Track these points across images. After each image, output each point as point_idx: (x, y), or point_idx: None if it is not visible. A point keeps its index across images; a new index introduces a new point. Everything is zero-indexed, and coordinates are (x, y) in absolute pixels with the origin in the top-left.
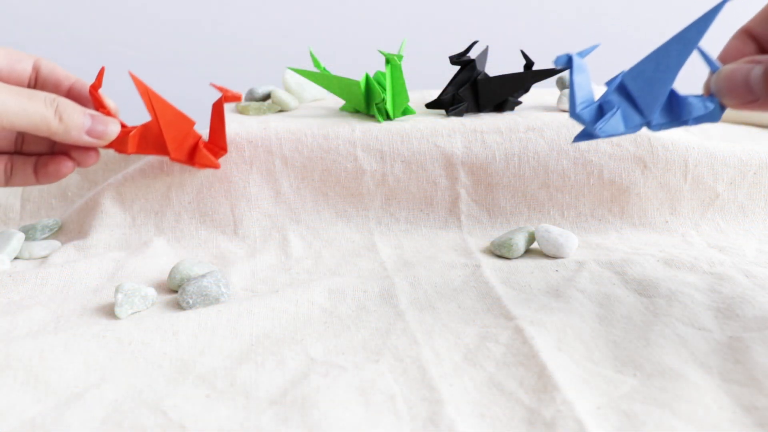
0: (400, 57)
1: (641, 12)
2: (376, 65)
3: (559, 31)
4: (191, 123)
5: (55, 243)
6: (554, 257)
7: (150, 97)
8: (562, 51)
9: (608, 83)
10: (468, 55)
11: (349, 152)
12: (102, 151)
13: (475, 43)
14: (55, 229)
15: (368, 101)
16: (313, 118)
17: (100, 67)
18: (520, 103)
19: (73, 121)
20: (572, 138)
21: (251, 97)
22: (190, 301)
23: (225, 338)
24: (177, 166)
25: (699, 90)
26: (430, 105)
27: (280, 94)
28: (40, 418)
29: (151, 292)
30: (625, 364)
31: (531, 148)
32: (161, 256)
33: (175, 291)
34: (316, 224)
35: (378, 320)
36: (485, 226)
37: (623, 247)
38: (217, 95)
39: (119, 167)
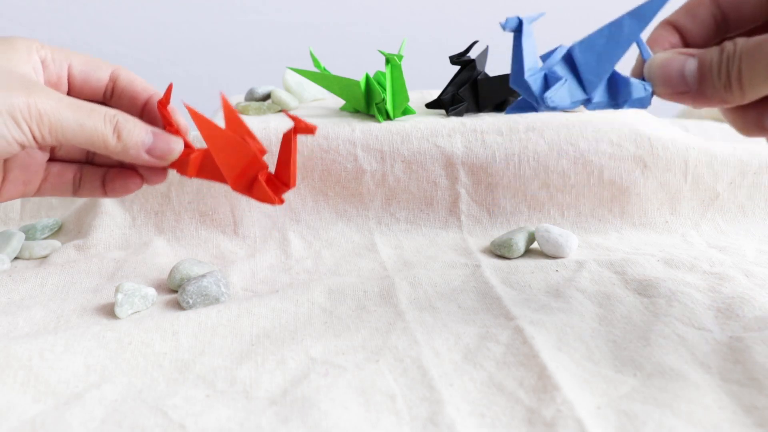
0: (400, 57)
1: None
2: (376, 65)
3: (559, 31)
4: (251, 150)
5: (55, 243)
6: (554, 257)
7: (197, 119)
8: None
9: (543, 57)
10: (468, 55)
11: (349, 152)
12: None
13: (475, 43)
14: (55, 229)
15: (368, 101)
16: (313, 118)
17: (169, 83)
18: None
19: (132, 139)
20: (573, 137)
21: (251, 97)
22: (190, 301)
23: (225, 338)
24: None
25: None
26: (430, 105)
27: (280, 94)
28: (40, 418)
29: (151, 292)
30: (625, 364)
31: (531, 148)
32: (161, 256)
33: (175, 291)
34: (316, 224)
35: (378, 320)
36: (485, 226)
37: (623, 247)
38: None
39: None
